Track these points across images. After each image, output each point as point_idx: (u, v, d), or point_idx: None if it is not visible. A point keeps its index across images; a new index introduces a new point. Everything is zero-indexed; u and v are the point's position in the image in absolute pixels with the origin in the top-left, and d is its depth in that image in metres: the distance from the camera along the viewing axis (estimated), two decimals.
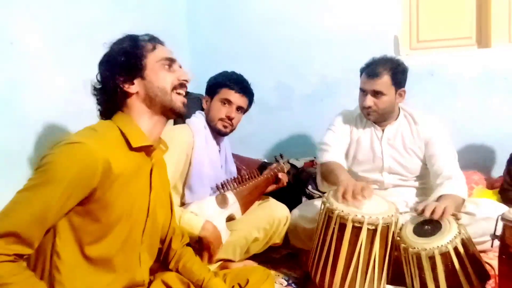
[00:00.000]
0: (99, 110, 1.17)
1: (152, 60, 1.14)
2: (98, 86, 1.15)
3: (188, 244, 1.41)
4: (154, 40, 1.18)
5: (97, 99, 1.16)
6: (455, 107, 2.45)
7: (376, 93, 1.82)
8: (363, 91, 1.85)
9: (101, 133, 1.05)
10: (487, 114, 2.42)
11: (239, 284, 1.30)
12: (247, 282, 1.29)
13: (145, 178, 1.14)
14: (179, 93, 1.17)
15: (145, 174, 1.14)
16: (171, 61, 1.17)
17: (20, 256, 0.92)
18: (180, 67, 1.21)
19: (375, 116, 1.87)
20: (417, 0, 2.62)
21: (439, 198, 1.66)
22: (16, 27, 1.49)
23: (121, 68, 1.12)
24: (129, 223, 1.08)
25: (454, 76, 2.47)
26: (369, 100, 1.82)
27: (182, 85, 1.18)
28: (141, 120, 1.13)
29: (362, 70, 1.89)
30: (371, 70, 1.82)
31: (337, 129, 1.97)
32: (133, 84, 1.13)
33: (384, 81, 1.81)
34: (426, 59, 2.52)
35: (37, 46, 1.58)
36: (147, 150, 1.13)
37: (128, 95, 1.13)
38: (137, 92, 1.13)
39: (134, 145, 1.08)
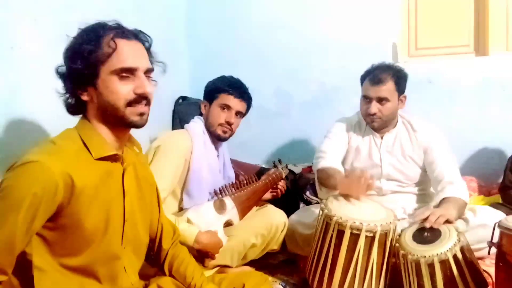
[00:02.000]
0: (65, 107, 1.10)
1: (106, 69, 1.01)
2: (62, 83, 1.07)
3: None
4: (118, 35, 1.03)
5: (62, 95, 1.09)
6: (453, 114, 2.46)
7: (381, 100, 1.81)
8: (367, 98, 1.84)
9: (60, 146, 0.99)
10: (484, 121, 2.44)
11: None
12: (243, 286, 1.27)
13: (116, 184, 1.08)
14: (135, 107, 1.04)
15: (116, 180, 1.08)
16: (128, 71, 1.02)
17: None
18: (149, 71, 1.07)
19: (379, 123, 1.86)
20: (416, 8, 2.64)
21: (441, 202, 1.66)
22: (16, 32, 1.49)
23: (74, 73, 1.02)
24: (107, 232, 1.04)
25: (452, 83, 2.48)
26: (374, 107, 1.81)
27: (139, 99, 1.03)
28: (101, 128, 1.06)
29: (364, 77, 1.88)
30: (375, 76, 1.81)
31: (334, 136, 1.96)
32: (85, 91, 1.04)
33: (388, 87, 1.81)
34: (424, 67, 2.54)
35: (38, 50, 1.58)
36: (113, 158, 1.06)
37: (84, 102, 1.05)
38: (91, 99, 1.04)
39: (95, 156, 1.02)
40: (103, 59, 1.00)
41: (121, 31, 1.05)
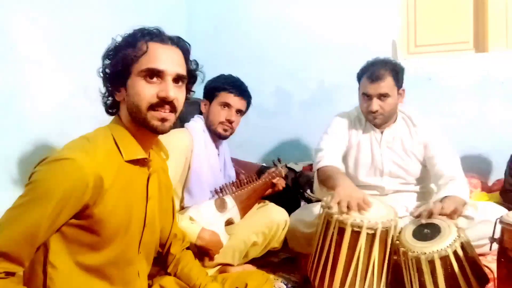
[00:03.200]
0: (104, 107, 1.13)
1: (136, 69, 1.03)
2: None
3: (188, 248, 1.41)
4: (154, 39, 1.05)
5: (102, 95, 1.12)
6: (453, 111, 2.46)
7: (382, 96, 1.79)
8: (367, 96, 1.82)
9: (94, 144, 1.00)
10: (484, 118, 2.43)
11: None
12: (246, 286, 1.28)
13: (141, 189, 1.10)
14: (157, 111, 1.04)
15: (141, 185, 1.10)
16: (156, 73, 1.03)
17: (11, 274, 0.90)
18: (181, 78, 1.07)
19: (382, 119, 1.85)
20: (415, 5, 2.64)
21: (442, 200, 1.65)
22: (16, 32, 1.49)
23: (108, 72, 1.07)
24: (126, 236, 1.05)
25: (452, 80, 2.48)
26: (375, 104, 1.79)
27: (161, 104, 1.03)
28: (131, 129, 1.07)
29: (361, 74, 1.86)
30: (373, 73, 1.79)
31: (333, 132, 1.94)
32: (119, 91, 1.07)
33: (388, 83, 1.79)
34: (423, 64, 2.54)
35: (37, 51, 1.58)
36: (141, 162, 1.08)
37: (118, 102, 1.09)
38: (123, 100, 1.07)
39: (126, 158, 1.03)
40: (135, 59, 1.02)
41: (157, 35, 1.06)
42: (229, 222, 1.78)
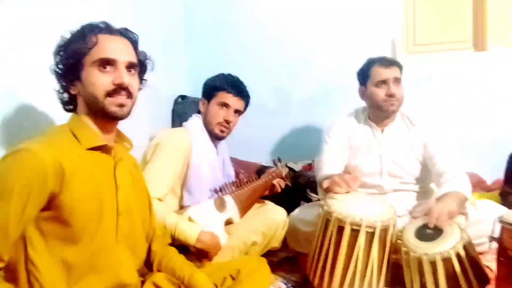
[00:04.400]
0: (61, 105, 1.16)
1: (88, 61, 1.07)
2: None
3: (184, 248, 1.40)
4: (102, 31, 1.10)
5: (56, 91, 1.15)
6: (452, 110, 2.45)
7: (397, 80, 1.85)
8: (383, 82, 1.84)
9: (49, 136, 1.04)
10: (483, 117, 2.43)
11: (231, 276, 1.28)
12: (238, 272, 1.27)
13: (108, 177, 1.10)
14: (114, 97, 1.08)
15: (108, 173, 1.11)
16: (108, 62, 1.07)
17: None
18: (133, 66, 1.12)
19: (397, 106, 1.87)
20: (414, 4, 2.63)
21: (441, 196, 1.64)
22: (15, 33, 1.49)
23: (61, 67, 1.10)
24: (101, 223, 1.05)
25: (451, 79, 2.47)
26: (393, 88, 1.83)
27: (118, 90, 1.08)
28: (89, 121, 1.10)
29: (369, 66, 1.90)
30: (385, 59, 1.89)
31: (332, 142, 1.96)
32: (73, 85, 1.10)
33: (398, 70, 1.88)
34: (423, 63, 2.53)
35: (36, 51, 1.57)
36: (104, 149, 1.10)
37: (74, 95, 1.12)
38: (78, 93, 1.10)
39: (84, 146, 1.05)
40: (85, 51, 1.06)
41: (105, 28, 1.11)
42: (228, 222, 1.77)
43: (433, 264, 1.37)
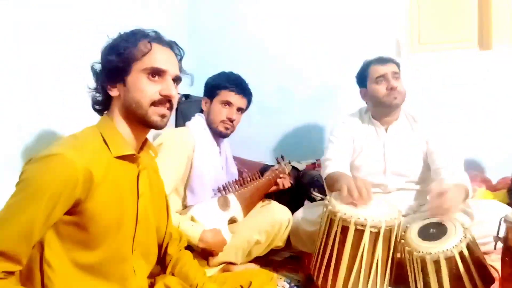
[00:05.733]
0: (91, 103, 1.15)
1: (138, 67, 1.07)
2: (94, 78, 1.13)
3: (188, 248, 1.40)
4: (154, 40, 1.11)
5: (91, 91, 1.14)
6: (457, 109, 2.44)
7: (395, 74, 1.87)
8: (382, 77, 1.85)
9: (82, 141, 1.03)
10: (489, 115, 2.42)
11: (241, 286, 1.28)
12: (250, 284, 1.27)
13: (131, 186, 1.11)
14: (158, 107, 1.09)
15: (132, 182, 1.11)
16: (158, 72, 1.09)
17: (10, 273, 0.90)
18: (177, 80, 1.14)
19: (400, 100, 1.86)
20: (418, 2, 2.62)
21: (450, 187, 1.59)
22: (15, 33, 1.49)
23: (108, 67, 1.08)
24: (119, 232, 1.05)
25: (456, 78, 2.46)
26: (394, 82, 1.84)
27: (163, 101, 1.09)
28: (121, 126, 1.10)
29: (367, 66, 1.92)
30: (381, 57, 1.92)
31: (337, 140, 1.95)
32: (115, 87, 1.09)
33: (396, 66, 1.90)
34: (427, 62, 2.52)
35: (36, 51, 1.57)
36: (130, 158, 1.09)
37: (110, 97, 1.11)
38: (118, 96, 1.09)
39: (114, 154, 1.05)
40: (137, 57, 1.07)
41: (157, 37, 1.12)
42: (232, 221, 1.77)
43: (436, 263, 1.36)
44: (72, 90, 1.69)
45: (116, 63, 1.06)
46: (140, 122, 1.10)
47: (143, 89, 1.07)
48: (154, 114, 1.08)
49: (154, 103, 1.07)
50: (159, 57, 1.09)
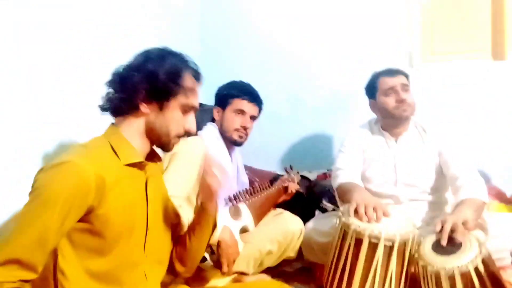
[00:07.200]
0: (104, 103, 1.12)
1: (181, 101, 1.11)
2: (117, 80, 1.11)
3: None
4: (196, 78, 1.16)
5: (109, 92, 1.12)
6: (470, 120, 2.42)
7: (404, 87, 1.86)
8: (391, 90, 1.86)
9: (92, 149, 1.05)
10: (501, 126, 2.39)
11: None
12: None
13: (140, 192, 1.13)
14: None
15: (140, 188, 1.13)
16: (191, 110, 1.16)
17: (25, 281, 0.91)
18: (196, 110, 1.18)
19: (410, 112, 1.86)
20: (431, 12, 2.61)
21: (456, 206, 1.62)
22: (15, 33, 1.49)
23: (149, 85, 1.08)
24: (130, 238, 1.07)
25: (469, 88, 2.44)
26: (402, 93, 1.84)
27: (184, 135, 1.16)
28: (133, 137, 1.11)
29: (376, 78, 1.93)
30: (390, 69, 1.91)
31: (348, 150, 1.95)
32: (149, 104, 1.10)
33: (405, 78, 1.90)
34: (440, 72, 2.51)
35: (36, 51, 1.57)
36: (139, 165, 1.12)
37: (138, 110, 1.10)
38: (147, 114, 1.10)
39: (124, 161, 1.07)
40: (183, 89, 1.11)
41: (196, 72, 1.17)
42: (243, 230, 1.77)
43: (451, 278, 1.34)
44: (72, 90, 1.68)
45: (160, 85, 1.08)
46: (157, 144, 1.15)
47: (177, 122, 1.12)
48: (174, 143, 1.15)
49: (178, 136, 1.14)
50: (195, 94, 1.15)
